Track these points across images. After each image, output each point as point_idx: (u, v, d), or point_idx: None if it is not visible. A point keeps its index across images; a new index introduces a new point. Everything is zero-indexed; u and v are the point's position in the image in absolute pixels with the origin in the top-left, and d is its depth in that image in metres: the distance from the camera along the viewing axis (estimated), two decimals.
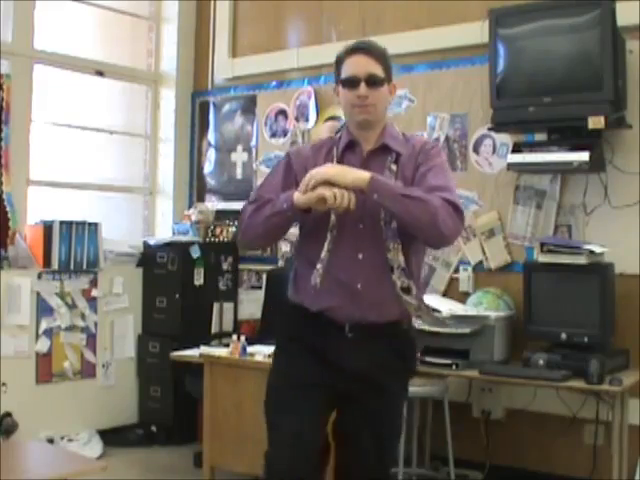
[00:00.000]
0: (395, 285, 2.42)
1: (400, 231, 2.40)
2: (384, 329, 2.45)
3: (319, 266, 2.43)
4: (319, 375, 2.46)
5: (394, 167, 2.46)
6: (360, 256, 2.43)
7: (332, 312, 2.44)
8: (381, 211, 2.41)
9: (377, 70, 2.45)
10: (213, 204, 5.53)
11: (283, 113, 5.20)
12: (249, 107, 5.37)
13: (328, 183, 2.33)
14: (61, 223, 4.84)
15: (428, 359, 3.83)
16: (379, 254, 2.41)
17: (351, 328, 2.44)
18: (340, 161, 2.48)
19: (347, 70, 2.47)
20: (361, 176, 2.35)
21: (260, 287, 5.11)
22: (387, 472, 2.61)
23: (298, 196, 2.37)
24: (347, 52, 2.50)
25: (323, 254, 2.42)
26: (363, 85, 2.43)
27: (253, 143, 5.37)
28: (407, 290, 2.44)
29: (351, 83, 2.45)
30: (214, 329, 4.98)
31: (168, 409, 5.11)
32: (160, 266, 5.20)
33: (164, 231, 5.58)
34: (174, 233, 5.42)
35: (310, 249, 2.49)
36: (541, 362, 3.62)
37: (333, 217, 2.43)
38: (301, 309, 2.51)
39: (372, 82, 2.44)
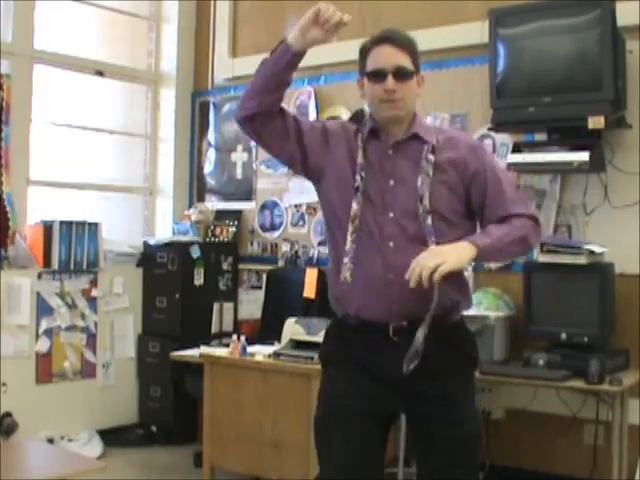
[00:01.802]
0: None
1: (435, 228, 2.29)
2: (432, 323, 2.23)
3: (346, 259, 2.30)
4: (366, 397, 2.30)
5: (431, 157, 2.32)
6: (391, 244, 2.29)
7: (368, 311, 2.30)
8: (418, 206, 2.28)
9: (405, 62, 2.30)
10: (213, 204, 5.53)
11: None
12: None
13: None
14: (61, 223, 4.85)
15: None
16: (412, 244, 2.26)
17: (395, 330, 2.29)
18: (364, 150, 2.36)
19: (373, 62, 2.32)
20: (470, 253, 2.21)
21: (260, 287, 5.12)
22: None
23: (292, 35, 2.27)
24: (373, 42, 2.35)
25: (348, 246, 2.30)
26: (391, 78, 2.28)
27: (253, 143, 5.37)
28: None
29: (378, 76, 2.30)
30: (214, 329, 4.98)
31: (168, 409, 5.11)
32: (160, 266, 5.20)
33: (164, 231, 5.58)
34: (174, 233, 5.42)
35: (336, 244, 2.37)
36: (541, 362, 3.62)
37: (355, 206, 2.31)
38: (339, 322, 2.40)
39: (400, 75, 2.29)
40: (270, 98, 2.32)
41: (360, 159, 2.35)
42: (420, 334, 2.21)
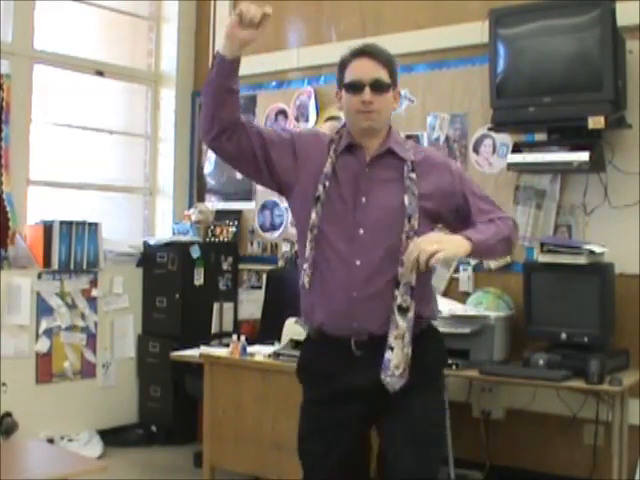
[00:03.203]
0: (395, 299, 2.29)
1: None
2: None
3: (305, 266, 2.34)
4: (340, 411, 2.37)
5: (413, 175, 2.36)
6: (358, 262, 2.31)
7: (330, 326, 2.35)
8: (405, 223, 2.30)
9: (383, 75, 2.36)
10: (213, 204, 5.53)
11: (283, 113, 5.20)
12: (249, 107, 5.37)
13: None
14: (61, 223, 4.84)
15: None
16: (381, 262, 2.29)
17: (357, 345, 2.33)
18: (335, 163, 2.38)
19: (351, 74, 2.37)
20: (465, 246, 2.26)
21: (260, 287, 5.11)
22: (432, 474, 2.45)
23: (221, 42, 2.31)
24: (352, 55, 2.40)
25: (307, 253, 2.33)
26: (368, 90, 2.32)
27: None
28: (404, 310, 2.29)
29: (355, 88, 2.35)
30: (214, 329, 4.98)
31: (168, 409, 5.11)
32: (160, 266, 5.21)
33: (164, 231, 5.58)
34: (174, 233, 5.42)
35: (300, 250, 2.42)
36: (541, 362, 3.62)
37: (314, 216, 2.33)
38: (309, 337, 2.47)
39: (377, 87, 2.34)
40: (225, 112, 2.32)
41: (327, 169, 2.36)
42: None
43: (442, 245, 2.18)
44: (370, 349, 2.31)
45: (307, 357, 2.50)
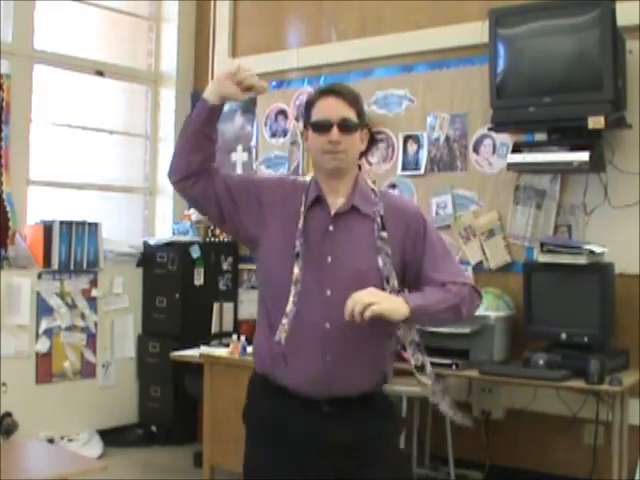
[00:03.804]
0: (410, 363, 2.20)
1: None
2: (360, 401, 2.23)
3: (285, 320, 2.16)
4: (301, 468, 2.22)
5: (384, 234, 2.23)
6: (327, 325, 2.19)
7: (301, 386, 2.21)
8: (385, 286, 2.20)
9: (350, 114, 2.24)
10: None
11: (283, 113, 5.21)
12: (249, 107, 5.37)
13: None
14: (61, 223, 4.85)
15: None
16: (350, 323, 2.12)
17: (325, 402, 2.21)
18: (306, 217, 2.24)
19: (318, 113, 2.25)
20: (403, 309, 2.13)
21: None
22: None
23: (210, 89, 2.26)
24: (319, 94, 2.29)
25: (289, 308, 2.17)
26: (335, 129, 2.20)
27: (253, 143, 5.37)
28: (421, 369, 2.21)
29: (322, 127, 2.22)
30: (214, 329, 4.98)
31: (168, 409, 5.11)
32: (160, 266, 5.21)
33: (164, 231, 5.58)
34: (174, 233, 5.42)
35: (266, 307, 2.28)
36: (541, 362, 3.62)
37: (297, 270, 2.19)
38: (267, 382, 2.29)
39: (345, 127, 2.22)
40: (197, 157, 2.26)
41: (300, 225, 2.24)
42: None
43: (378, 299, 2.10)
44: (339, 405, 2.21)
45: (262, 404, 2.34)
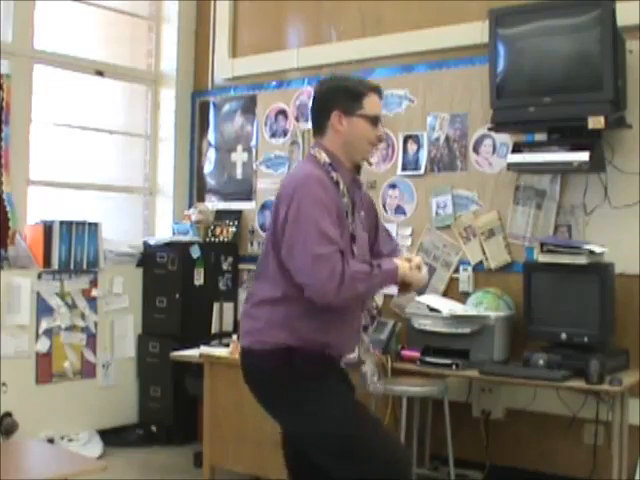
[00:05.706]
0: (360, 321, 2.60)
1: None
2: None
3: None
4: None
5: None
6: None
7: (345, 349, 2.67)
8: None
9: None
10: (213, 204, 5.53)
11: (283, 113, 5.20)
12: (249, 107, 5.37)
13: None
14: (61, 223, 4.84)
15: (428, 359, 3.84)
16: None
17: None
18: (352, 200, 2.50)
19: (374, 108, 2.47)
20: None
21: None
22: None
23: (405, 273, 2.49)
24: (370, 88, 2.49)
25: None
26: (380, 127, 2.50)
27: (253, 143, 5.37)
28: (365, 328, 2.60)
29: (377, 122, 2.47)
30: (214, 329, 4.97)
31: (168, 409, 5.11)
32: (160, 266, 5.20)
33: (164, 231, 5.58)
34: (174, 233, 5.42)
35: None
36: (541, 362, 3.62)
37: (356, 251, 2.54)
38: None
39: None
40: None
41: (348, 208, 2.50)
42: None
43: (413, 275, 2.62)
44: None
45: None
